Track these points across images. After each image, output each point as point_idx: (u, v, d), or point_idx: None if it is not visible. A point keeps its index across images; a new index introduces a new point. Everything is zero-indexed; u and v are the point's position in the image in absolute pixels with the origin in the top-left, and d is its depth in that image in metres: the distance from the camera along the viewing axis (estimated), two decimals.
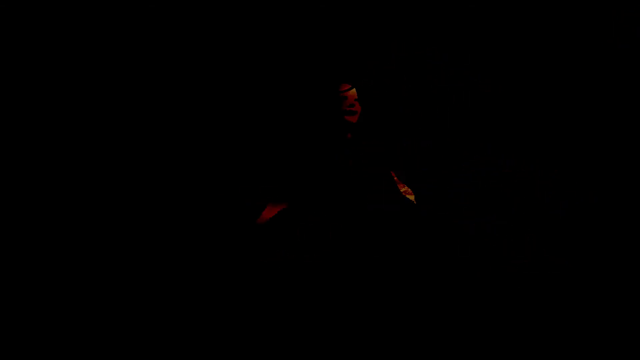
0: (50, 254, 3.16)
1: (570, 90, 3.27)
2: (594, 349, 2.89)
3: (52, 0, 3.31)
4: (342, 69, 3.36)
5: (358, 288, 3.00)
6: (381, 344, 2.89)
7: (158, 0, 3.23)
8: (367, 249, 3.06)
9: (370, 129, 3.28)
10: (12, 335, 2.93)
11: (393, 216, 3.11)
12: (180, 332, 2.97)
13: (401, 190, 3.14)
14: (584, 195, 3.14)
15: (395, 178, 3.17)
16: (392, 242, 3.07)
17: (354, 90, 3.02)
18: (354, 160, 3.05)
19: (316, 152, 3.11)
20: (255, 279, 3.05)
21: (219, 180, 3.28)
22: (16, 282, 3.09)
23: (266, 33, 3.38)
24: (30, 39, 3.32)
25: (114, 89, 3.32)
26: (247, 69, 3.38)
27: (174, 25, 3.33)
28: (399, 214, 3.11)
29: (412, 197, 3.13)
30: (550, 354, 2.88)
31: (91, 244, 3.19)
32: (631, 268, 3.03)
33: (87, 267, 3.15)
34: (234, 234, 3.17)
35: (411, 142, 3.26)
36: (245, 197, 3.21)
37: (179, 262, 3.15)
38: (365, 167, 3.14)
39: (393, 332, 2.92)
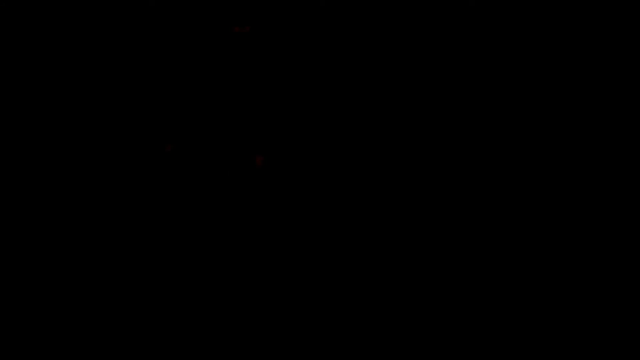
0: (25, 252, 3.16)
1: (570, 90, 3.27)
2: (595, 348, 2.89)
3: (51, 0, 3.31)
4: (342, 69, 3.36)
5: (358, 288, 3.00)
6: (381, 344, 2.89)
7: None
8: (367, 248, 3.06)
9: (369, 129, 3.28)
10: (12, 335, 2.93)
11: (392, 216, 3.11)
12: (179, 332, 2.97)
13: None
14: (584, 195, 3.15)
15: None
16: (392, 242, 3.07)
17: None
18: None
19: None
20: (255, 278, 3.04)
21: (216, 179, 3.28)
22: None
23: (266, 32, 3.39)
24: (29, 38, 3.32)
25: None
26: (246, 69, 3.39)
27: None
28: (398, 213, 3.11)
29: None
30: (551, 353, 2.88)
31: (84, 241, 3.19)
32: (631, 268, 3.03)
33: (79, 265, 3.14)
34: (233, 233, 3.17)
35: (411, 142, 3.27)
36: (240, 194, 3.21)
37: (178, 262, 3.15)
38: (364, 166, 3.14)
39: (393, 331, 2.92)
